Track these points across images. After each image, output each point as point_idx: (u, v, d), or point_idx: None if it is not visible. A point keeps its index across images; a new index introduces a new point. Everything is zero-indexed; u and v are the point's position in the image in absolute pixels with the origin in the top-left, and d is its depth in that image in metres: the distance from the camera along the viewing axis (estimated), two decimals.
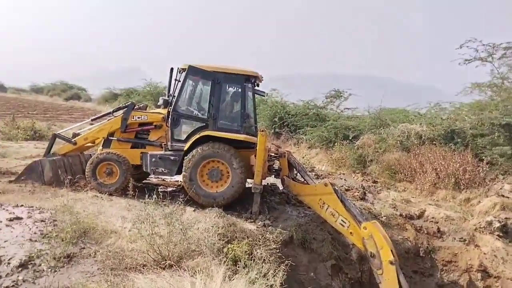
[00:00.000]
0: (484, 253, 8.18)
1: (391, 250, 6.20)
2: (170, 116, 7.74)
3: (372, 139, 13.67)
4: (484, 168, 10.81)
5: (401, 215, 9.03)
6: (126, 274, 4.03)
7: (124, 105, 8.56)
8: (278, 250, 6.00)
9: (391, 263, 6.10)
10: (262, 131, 7.26)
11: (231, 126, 7.81)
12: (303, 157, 14.26)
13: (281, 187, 8.71)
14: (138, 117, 8.17)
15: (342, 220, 6.71)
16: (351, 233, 6.64)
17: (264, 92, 8.79)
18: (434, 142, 12.33)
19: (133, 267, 4.23)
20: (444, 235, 8.73)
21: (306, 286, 6.13)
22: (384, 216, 8.70)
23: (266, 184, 9.01)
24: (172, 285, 3.34)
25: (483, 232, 8.59)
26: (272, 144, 10.26)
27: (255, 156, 7.33)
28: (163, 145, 7.93)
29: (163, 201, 4.85)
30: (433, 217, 9.23)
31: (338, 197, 6.84)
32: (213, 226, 5.60)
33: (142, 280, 3.59)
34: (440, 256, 8.41)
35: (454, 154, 11.27)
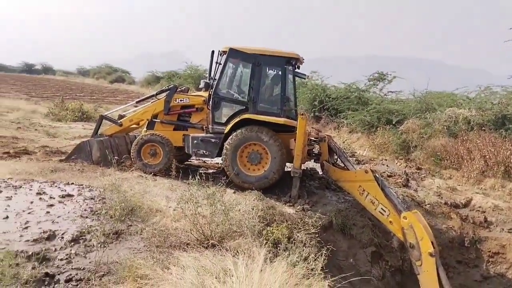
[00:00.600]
0: None
1: (432, 242, 6.01)
2: (211, 99, 7.82)
3: (417, 124, 13.18)
4: None
5: (446, 203, 8.72)
6: (170, 252, 4.18)
7: (167, 87, 8.75)
8: (317, 235, 5.98)
9: (431, 255, 5.91)
10: (302, 114, 7.18)
11: (271, 109, 7.79)
12: (344, 142, 14.03)
13: (320, 172, 8.63)
14: (181, 100, 8.32)
15: (382, 208, 6.56)
16: (390, 222, 6.47)
17: (304, 75, 8.66)
18: (484, 128, 11.73)
19: (177, 245, 4.38)
20: (492, 225, 8.36)
21: (345, 271, 6.08)
22: (428, 204, 8.44)
23: (305, 168, 8.97)
24: (215, 264, 3.42)
25: None
26: (312, 128, 10.15)
27: (294, 140, 7.28)
28: (204, 128, 8.06)
29: (205, 182, 4.94)
30: (480, 206, 8.85)
31: (379, 185, 6.67)
32: (253, 209, 5.66)
33: (186, 257, 3.70)
34: (486, 247, 8.07)
35: (505, 141, 10.67)
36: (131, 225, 4.95)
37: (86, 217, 5.05)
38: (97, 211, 5.17)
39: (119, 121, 8.60)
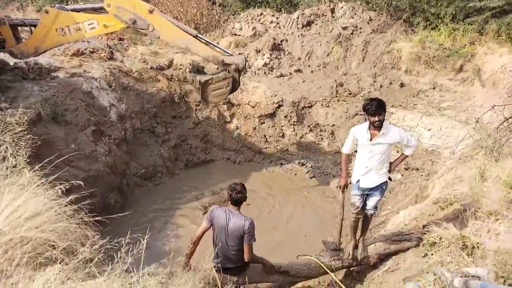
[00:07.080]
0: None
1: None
2: None
3: None
4: (218, 11, 11.75)
5: (152, 68, 9.23)
6: None
7: None
8: (26, 132, 5.35)
9: (151, 11, 5.86)
10: None
11: None
12: None
13: (11, 62, 7.35)
14: None
15: (88, 24, 6.07)
16: (105, 25, 6.07)
17: None
18: None
19: None
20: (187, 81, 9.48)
21: (69, 158, 5.86)
22: (136, 71, 8.71)
23: None
24: None
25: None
26: None
27: None
28: None
29: None
30: (181, 64, 9.83)
31: (68, 10, 6.10)
32: None
33: None
34: (192, 99, 9.28)
35: (191, 0, 11.67)
36: None
37: None
38: None
39: None
